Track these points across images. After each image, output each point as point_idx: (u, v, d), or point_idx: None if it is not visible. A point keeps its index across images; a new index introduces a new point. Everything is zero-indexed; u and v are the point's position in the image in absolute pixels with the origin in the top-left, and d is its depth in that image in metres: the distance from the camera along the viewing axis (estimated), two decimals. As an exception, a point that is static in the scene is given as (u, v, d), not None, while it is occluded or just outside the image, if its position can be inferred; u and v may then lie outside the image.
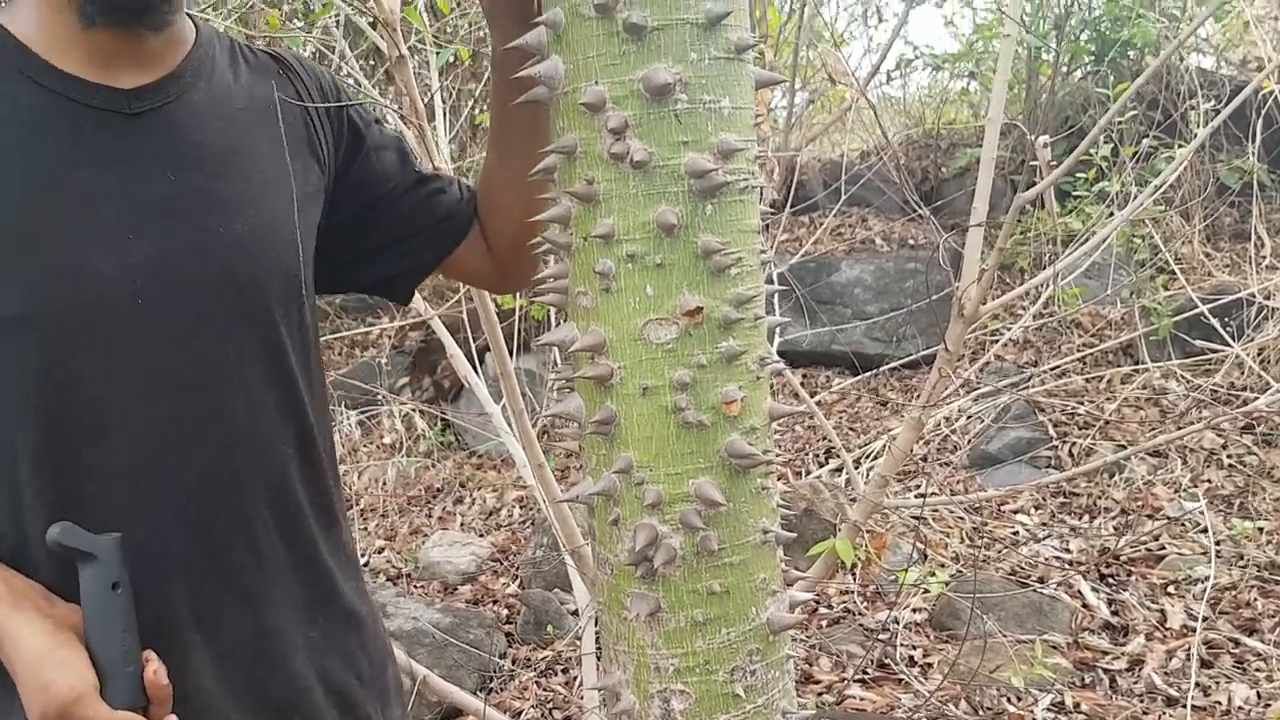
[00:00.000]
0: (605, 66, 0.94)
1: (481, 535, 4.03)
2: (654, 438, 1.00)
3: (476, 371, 2.43)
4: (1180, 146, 4.42)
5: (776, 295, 4.20)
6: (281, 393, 1.08)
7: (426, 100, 2.07)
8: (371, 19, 1.78)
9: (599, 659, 2.19)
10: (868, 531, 2.68)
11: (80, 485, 0.98)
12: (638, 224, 0.95)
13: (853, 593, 3.06)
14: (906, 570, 2.54)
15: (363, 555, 3.91)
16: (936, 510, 3.39)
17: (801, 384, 4.81)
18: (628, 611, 1.04)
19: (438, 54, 2.11)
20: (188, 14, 1.08)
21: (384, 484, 4.52)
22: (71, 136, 0.97)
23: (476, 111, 4.01)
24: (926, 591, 2.90)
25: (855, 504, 1.85)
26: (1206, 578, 2.71)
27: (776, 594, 1.08)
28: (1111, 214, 4.59)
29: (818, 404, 3.98)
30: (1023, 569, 3.15)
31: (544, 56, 0.98)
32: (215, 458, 1.03)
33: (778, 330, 3.48)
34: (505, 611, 3.52)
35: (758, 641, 1.05)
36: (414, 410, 4.82)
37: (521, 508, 4.18)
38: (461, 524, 4.18)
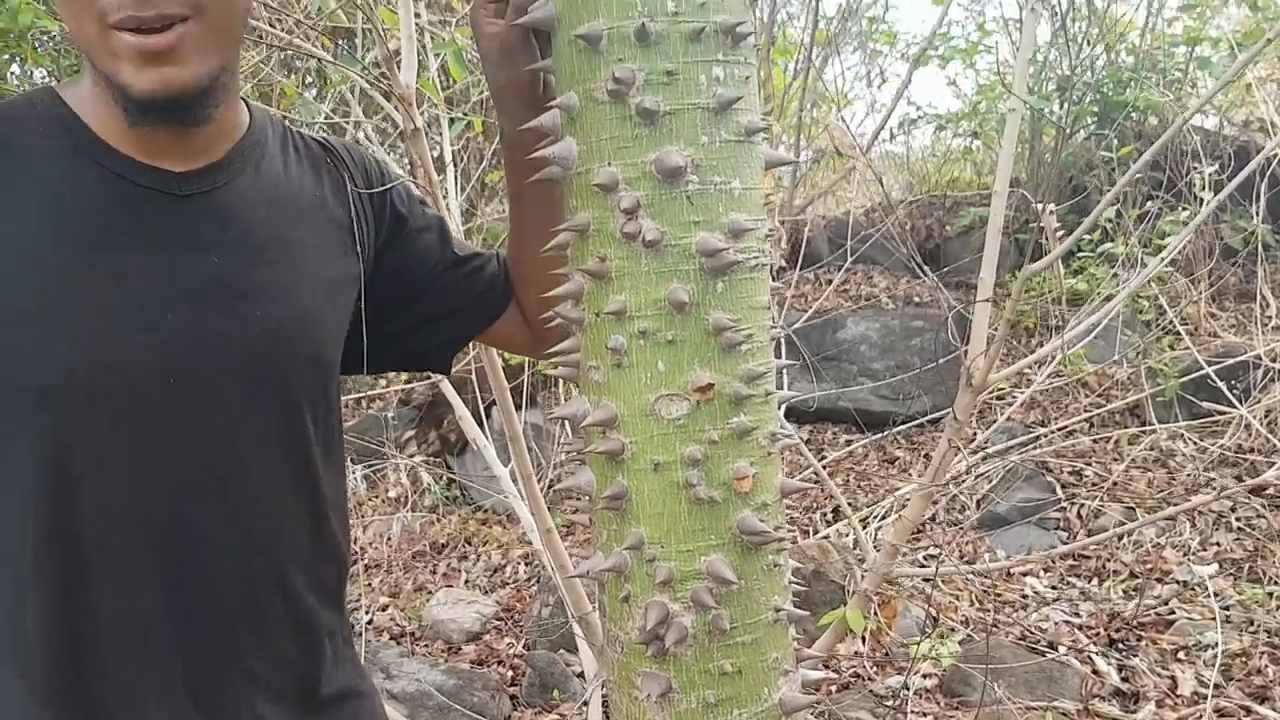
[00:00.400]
0: (618, 149, 0.95)
1: (486, 593, 4.00)
2: (665, 514, 1.00)
3: (483, 426, 2.44)
4: (1184, 209, 4.46)
5: (784, 352, 4.21)
6: (298, 476, 1.10)
7: (436, 157, 2.10)
8: (385, 91, 1.82)
9: (606, 727, 2.16)
10: (878, 597, 2.66)
11: (88, 559, 0.99)
12: (649, 301, 0.96)
13: (862, 656, 3.03)
14: (919, 643, 2.51)
15: (366, 613, 3.88)
16: (945, 575, 3.37)
17: (808, 441, 4.81)
18: (638, 691, 1.03)
19: (451, 122, 2.15)
20: (243, 99, 1.12)
21: (389, 539, 4.50)
22: (120, 214, 1.00)
23: (486, 171, 4.07)
24: (937, 660, 2.86)
25: (865, 574, 1.84)
26: (1217, 644, 2.67)
27: (789, 674, 1.07)
28: (1116, 275, 4.61)
29: (825, 461, 3.97)
30: (1033, 634, 3.12)
31: (558, 138, 1.00)
32: (227, 538, 1.04)
33: (785, 385, 3.48)
34: (510, 673, 3.49)
35: (770, 721, 1.04)
36: (420, 465, 4.82)
37: (527, 565, 4.16)
38: (466, 581, 4.15)
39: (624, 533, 1.02)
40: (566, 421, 1.05)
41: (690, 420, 0.98)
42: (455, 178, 2.29)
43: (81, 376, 0.97)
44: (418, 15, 1.76)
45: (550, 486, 3.90)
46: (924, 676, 2.98)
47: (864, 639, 2.96)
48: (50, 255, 0.97)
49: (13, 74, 5.47)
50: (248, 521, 1.05)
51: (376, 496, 4.93)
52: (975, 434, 4.47)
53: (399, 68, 1.66)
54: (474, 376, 3.03)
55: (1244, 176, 2.36)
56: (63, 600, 0.98)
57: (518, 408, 2.68)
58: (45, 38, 4.82)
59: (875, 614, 2.69)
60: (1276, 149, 4.47)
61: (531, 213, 1.16)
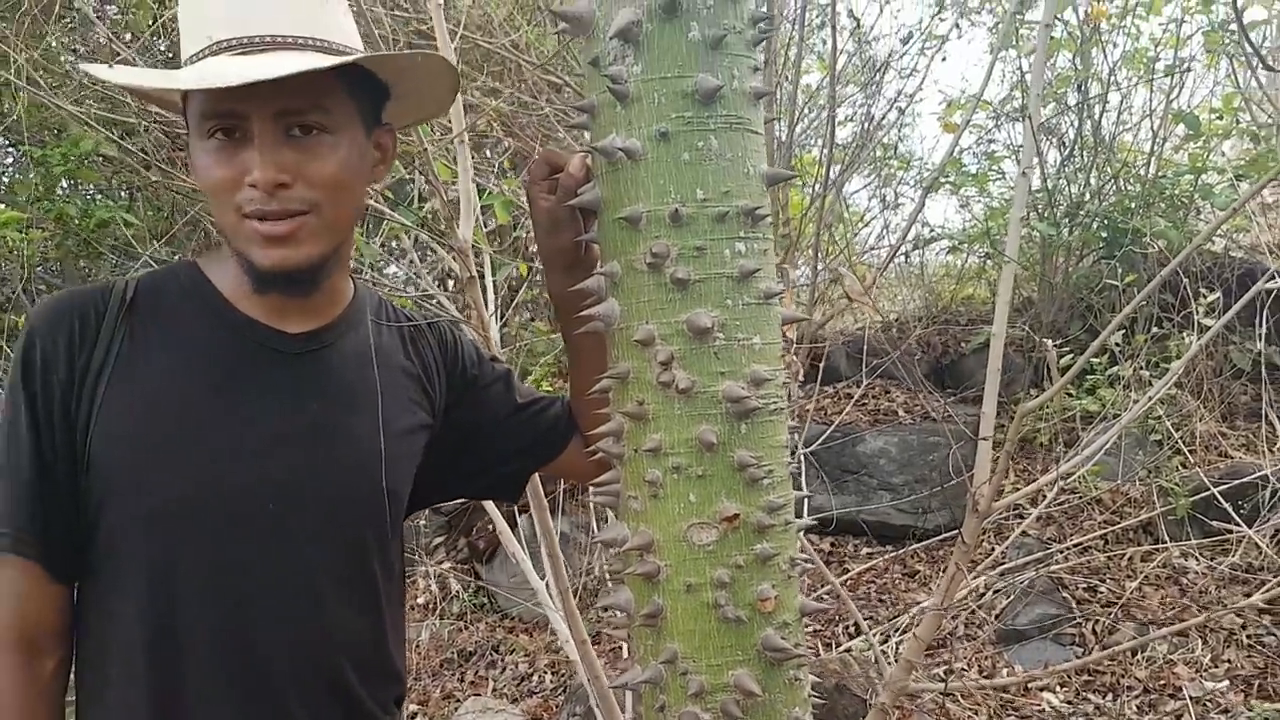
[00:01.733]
0: (655, 310, 1.12)
1: (514, 701, 4.06)
2: (697, 631, 1.13)
3: (515, 529, 2.55)
4: (1189, 332, 4.60)
5: (804, 466, 4.32)
6: (364, 600, 1.27)
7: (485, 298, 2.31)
8: (442, 242, 2.02)
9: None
10: (897, 712, 2.71)
11: (184, 663, 1.14)
12: (682, 440, 1.11)
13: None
14: None
15: None
16: (964, 688, 3.41)
17: (831, 552, 4.88)
18: (671, 795, 1.15)
19: (496, 268, 2.35)
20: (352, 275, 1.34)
21: (417, 646, 4.58)
22: (242, 367, 1.21)
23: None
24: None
25: (883, 687, 1.93)
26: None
27: (808, 780, 1.19)
28: (1128, 395, 4.73)
29: (847, 577, 4.04)
30: (1049, 749, 3.16)
31: (602, 298, 1.17)
32: (296, 652, 1.21)
33: (806, 501, 3.58)
34: (539, 785, 3.52)
35: (792, 825, 1.15)
36: (449, 571, 4.91)
37: (554, 674, 4.22)
38: (494, 689, 4.21)
39: (659, 648, 1.15)
40: (603, 543, 1.19)
41: (719, 547, 1.12)
42: (496, 306, 2.49)
43: (187, 504, 1.14)
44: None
45: (577, 594, 3.99)
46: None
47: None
48: (183, 399, 1.17)
49: (63, 188, 5.84)
50: (316, 640, 1.22)
51: (406, 603, 5.00)
52: (993, 549, 4.55)
53: (457, 223, 1.86)
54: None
55: (1242, 305, 2.50)
56: (161, 691, 1.15)
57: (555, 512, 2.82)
58: (100, 159, 5.19)
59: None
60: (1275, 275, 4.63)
61: (584, 358, 1.35)
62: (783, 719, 1.14)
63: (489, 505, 2.39)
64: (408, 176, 2.48)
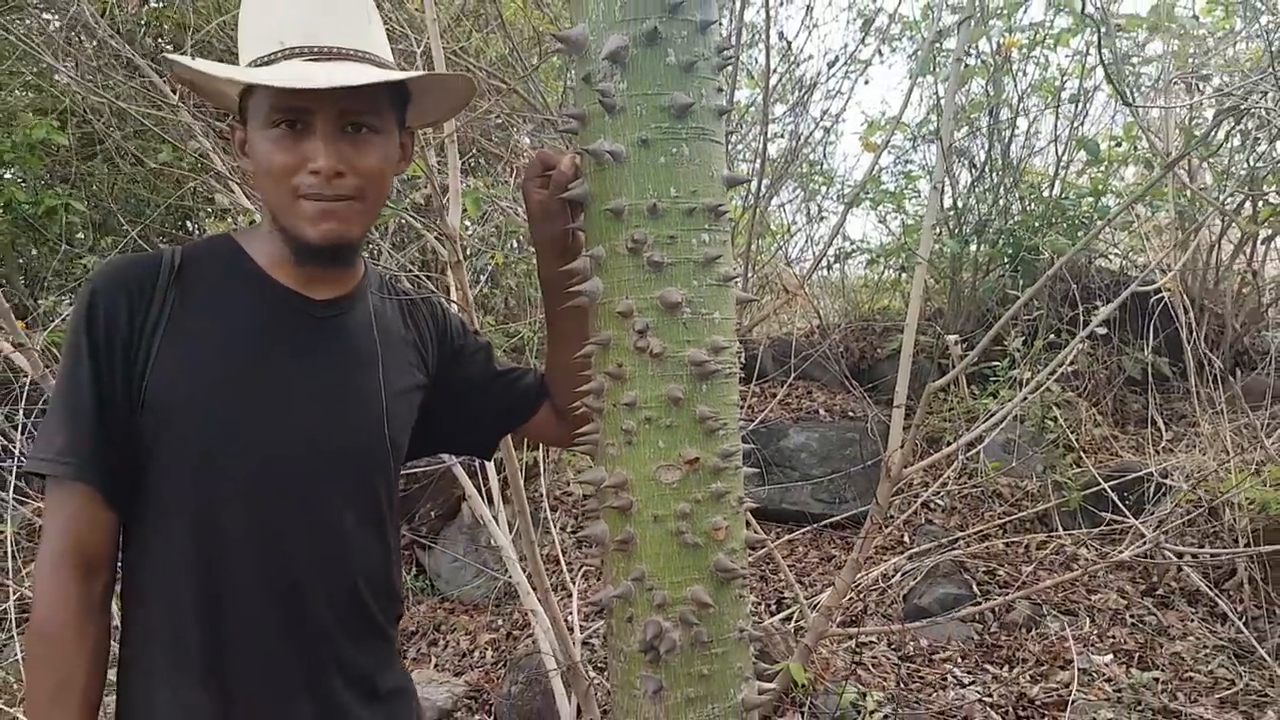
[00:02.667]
0: (633, 287, 1.34)
1: (457, 675, 4.22)
2: (661, 554, 1.35)
3: (458, 517, 2.73)
4: (1084, 342, 5.01)
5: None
6: (376, 530, 1.49)
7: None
8: (429, 227, 2.21)
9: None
10: (814, 662, 2.97)
11: (232, 590, 1.35)
12: (653, 396, 1.34)
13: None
14: (843, 691, 2.83)
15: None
16: (875, 658, 3.70)
17: (758, 545, 5.15)
18: (636, 690, 1.37)
19: (477, 254, 2.55)
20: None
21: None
22: (278, 329, 1.42)
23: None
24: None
25: (806, 632, 2.18)
26: (1109, 719, 3.02)
27: (749, 680, 1.42)
28: (1023, 396, 5.12)
29: (767, 549, 4.31)
30: (949, 711, 3.46)
31: (588, 277, 1.39)
32: (326, 571, 1.41)
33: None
34: (481, 745, 3.70)
35: (734, 716, 1.38)
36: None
37: (494, 650, 4.39)
38: (436, 665, 4.37)
39: (630, 568, 1.37)
40: (582, 483, 1.41)
41: (682, 485, 1.35)
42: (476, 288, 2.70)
43: (232, 445, 1.34)
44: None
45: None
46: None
47: (803, 714, 3.25)
48: (227, 354, 1.38)
49: (4, 179, 5.83)
50: (342, 562, 1.42)
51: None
52: (904, 537, 4.88)
53: (446, 212, 2.06)
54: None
55: (1114, 307, 2.82)
56: (209, 612, 1.34)
57: (489, 501, 3.02)
58: (49, 147, 5.21)
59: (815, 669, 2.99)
60: (1171, 286, 5.07)
61: (561, 332, 1.57)
62: (730, 628, 1.37)
63: (459, 471, 2.59)
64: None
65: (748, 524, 1.49)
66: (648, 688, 1.36)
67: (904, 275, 7.17)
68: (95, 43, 4.19)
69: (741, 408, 1.55)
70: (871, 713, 3.18)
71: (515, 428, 1.72)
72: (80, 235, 5.67)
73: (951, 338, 2.27)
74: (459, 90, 1.48)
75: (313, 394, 1.40)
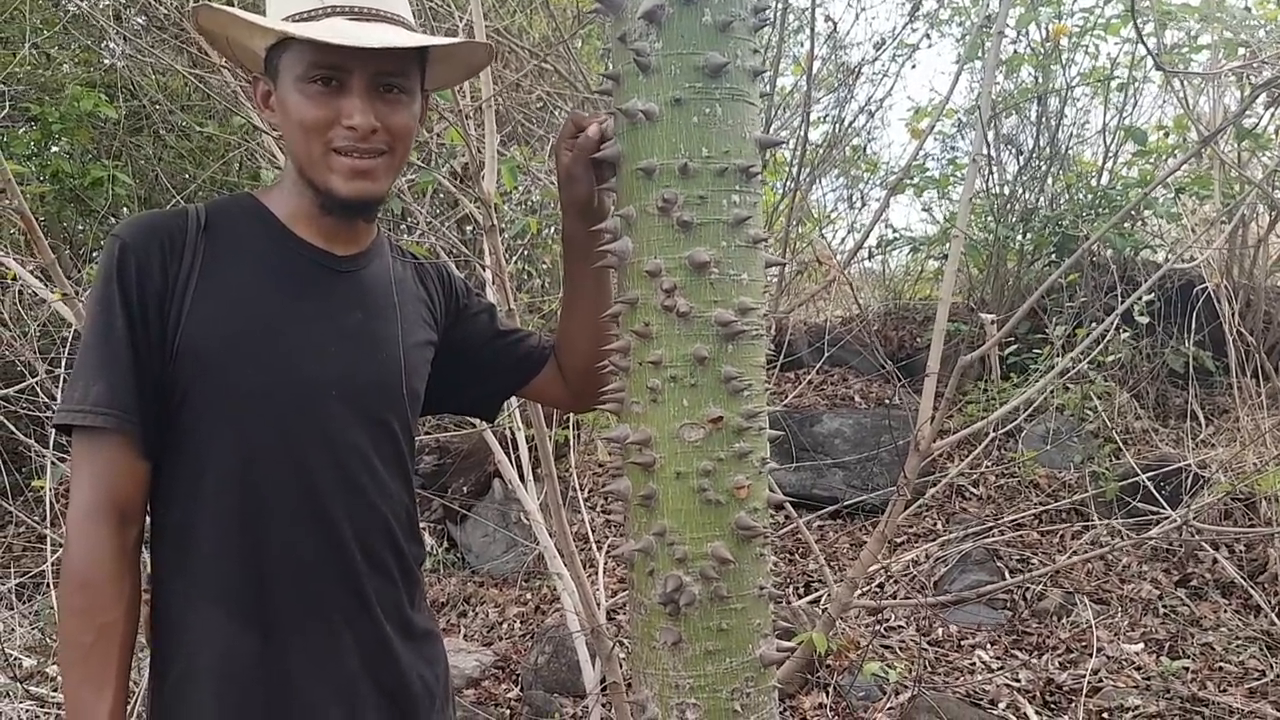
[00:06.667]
0: (662, 247, 1.35)
1: (485, 645, 4.28)
2: (683, 510, 1.36)
3: (487, 494, 2.77)
4: (1127, 332, 4.95)
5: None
6: (399, 468, 1.54)
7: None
8: (465, 193, 2.25)
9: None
10: (836, 635, 2.97)
11: (269, 520, 1.39)
12: (679, 355, 1.35)
13: (825, 708, 3.33)
14: (865, 662, 2.84)
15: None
16: (903, 641, 3.70)
17: (786, 519, 5.16)
18: (656, 642, 1.39)
19: (511, 223, 2.58)
20: None
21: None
22: (303, 279, 1.47)
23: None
24: (893, 710, 3.17)
25: (831, 603, 2.19)
26: (1137, 706, 3.00)
27: (767, 636, 1.43)
28: (1066, 387, 5.07)
29: (798, 534, 4.31)
30: (976, 694, 3.45)
31: (617, 236, 1.41)
32: (358, 507, 1.45)
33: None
34: (508, 713, 3.76)
35: (752, 671, 1.39)
36: (423, 529, 5.12)
37: (522, 623, 4.45)
38: (464, 635, 4.43)
39: (652, 524, 1.38)
40: (607, 440, 1.43)
41: (705, 443, 1.36)
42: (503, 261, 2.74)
43: (266, 389, 1.38)
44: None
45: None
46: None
47: (827, 692, 3.26)
48: (258, 304, 1.42)
49: (52, 152, 5.98)
50: (371, 498, 1.46)
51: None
52: (937, 525, 4.86)
53: (482, 178, 2.09)
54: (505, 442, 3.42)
55: (1150, 285, 2.78)
56: (251, 547, 1.38)
57: (522, 478, 3.06)
58: (96, 120, 5.33)
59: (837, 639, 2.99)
60: (1189, 264, 4.98)
61: (579, 290, 1.59)
62: (750, 585, 1.38)
63: (490, 438, 2.63)
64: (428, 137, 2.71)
65: (772, 492, 1.50)
66: (666, 639, 1.38)
67: (946, 263, 7.10)
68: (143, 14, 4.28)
69: (769, 385, 1.56)
70: (895, 686, 3.18)
71: (518, 387, 1.75)
72: (126, 209, 5.80)
73: (988, 317, 2.26)
74: (476, 57, 1.53)
75: (340, 337, 1.45)
